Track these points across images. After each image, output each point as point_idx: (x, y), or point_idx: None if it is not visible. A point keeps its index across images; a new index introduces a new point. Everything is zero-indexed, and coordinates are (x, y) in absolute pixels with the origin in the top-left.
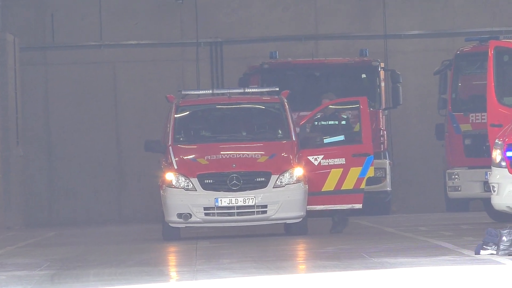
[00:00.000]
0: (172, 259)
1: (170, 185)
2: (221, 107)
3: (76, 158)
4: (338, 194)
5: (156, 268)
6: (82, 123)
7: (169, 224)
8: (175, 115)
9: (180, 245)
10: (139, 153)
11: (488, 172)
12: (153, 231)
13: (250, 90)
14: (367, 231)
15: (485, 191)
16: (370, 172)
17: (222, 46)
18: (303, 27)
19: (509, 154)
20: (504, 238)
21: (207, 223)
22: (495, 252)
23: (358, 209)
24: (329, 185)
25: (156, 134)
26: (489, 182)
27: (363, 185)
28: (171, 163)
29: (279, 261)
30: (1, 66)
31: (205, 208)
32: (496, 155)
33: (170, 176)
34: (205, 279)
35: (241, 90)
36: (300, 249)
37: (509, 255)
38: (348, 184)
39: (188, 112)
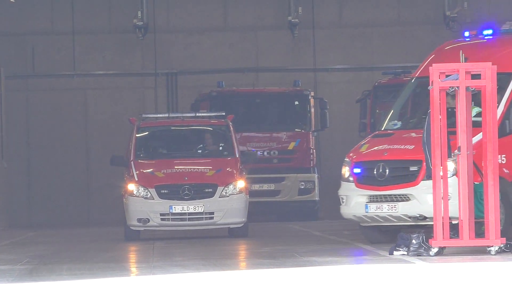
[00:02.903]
0: (132, 257)
1: (131, 194)
2: (176, 128)
3: (51, 170)
4: None
5: (119, 264)
6: (57, 141)
7: (130, 227)
8: (136, 135)
9: (140, 245)
10: (105, 167)
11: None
12: (116, 233)
13: (201, 114)
14: (299, 234)
15: None
16: None
17: (177, 77)
18: (246, 61)
19: (356, 170)
20: (413, 241)
21: (163, 227)
22: (406, 253)
23: None
24: None
25: (120, 151)
26: (339, 194)
27: None
28: (133, 176)
29: (223, 259)
30: None
31: (161, 214)
32: (345, 171)
33: (131, 187)
34: (160, 274)
35: (193, 114)
36: (242, 249)
37: (417, 255)
38: None
39: (147, 132)
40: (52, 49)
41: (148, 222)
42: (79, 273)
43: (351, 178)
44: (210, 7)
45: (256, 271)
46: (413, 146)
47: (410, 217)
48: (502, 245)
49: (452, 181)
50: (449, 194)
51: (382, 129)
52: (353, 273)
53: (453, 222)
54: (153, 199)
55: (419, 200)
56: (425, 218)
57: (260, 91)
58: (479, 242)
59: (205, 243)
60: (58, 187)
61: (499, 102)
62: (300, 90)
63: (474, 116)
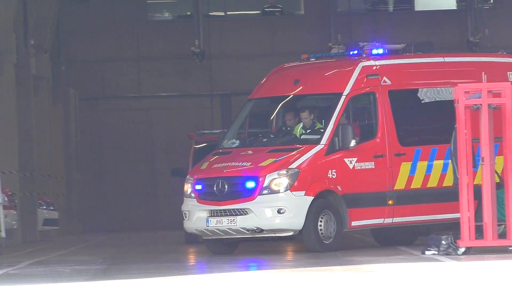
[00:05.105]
0: (193, 257)
1: None
2: None
3: (121, 180)
4: None
5: (182, 264)
6: (125, 154)
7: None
8: (194, 146)
9: (199, 247)
10: (168, 177)
11: None
12: (178, 236)
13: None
14: None
15: None
16: None
17: (230, 97)
18: None
19: (197, 187)
20: (443, 242)
21: None
22: (436, 252)
23: None
24: None
25: (181, 163)
26: (182, 209)
27: None
28: None
29: (272, 259)
30: (65, 113)
31: None
32: (187, 188)
33: None
34: (218, 272)
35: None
36: (289, 250)
37: (446, 254)
38: None
39: (204, 145)
40: (119, 74)
41: None
42: (146, 272)
43: (193, 194)
44: (259, 36)
45: (303, 269)
46: (250, 163)
47: (248, 230)
48: None
49: (286, 195)
50: (283, 207)
51: (221, 147)
52: (390, 270)
53: (282, 235)
54: None
55: (256, 214)
56: (262, 230)
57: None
58: (501, 242)
59: (256, 245)
60: (126, 195)
61: (328, 121)
62: None
63: (306, 134)
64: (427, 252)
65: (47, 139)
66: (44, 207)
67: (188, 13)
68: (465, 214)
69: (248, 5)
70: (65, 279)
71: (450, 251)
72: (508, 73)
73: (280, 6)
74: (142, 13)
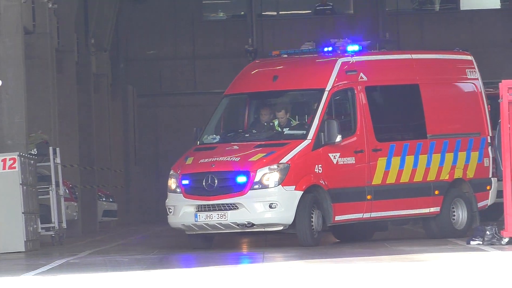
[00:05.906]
0: (246, 248)
1: None
2: None
3: None
4: None
5: (236, 254)
6: (180, 148)
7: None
8: None
9: (253, 238)
10: None
11: None
12: None
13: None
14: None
15: None
16: None
17: None
18: None
19: (184, 182)
20: (487, 232)
21: None
22: (481, 243)
23: None
24: None
25: None
26: (166, 205)
27: None
28: None
29: (324, 249)
30: (124, 108)
31: None
32: (172, 183)
33: None
34: (269, 262)
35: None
36: (340, 240)
37: (491, 244)
38: None
39: None
40: (176, 72)
41: None
42: (203, 261)
43: (178, 190)
44: (309, 34)
45: (353, 258)
46: (239, 158)
47: (238, 225)
48: None
49: (277, 190)
50: (274, 202)
51: (199, 143)
52: (439, 259)
53: (272, 229)
54: None
55: (248, 208)
56: (253, 225)
57: None
58: None
59: (255, 240)
60: None
61: (313, 117)
62: None
63: (290, 129)
64: (472, 242)
65: (106, 134)
66: (104, 199)
67: (242, 13)
68: (509, 205)
69: (299, 5)
70: (124, 268)
71: (494, 241)
72: (466, 70)
73: (331, 4)
74: (198, 13)
